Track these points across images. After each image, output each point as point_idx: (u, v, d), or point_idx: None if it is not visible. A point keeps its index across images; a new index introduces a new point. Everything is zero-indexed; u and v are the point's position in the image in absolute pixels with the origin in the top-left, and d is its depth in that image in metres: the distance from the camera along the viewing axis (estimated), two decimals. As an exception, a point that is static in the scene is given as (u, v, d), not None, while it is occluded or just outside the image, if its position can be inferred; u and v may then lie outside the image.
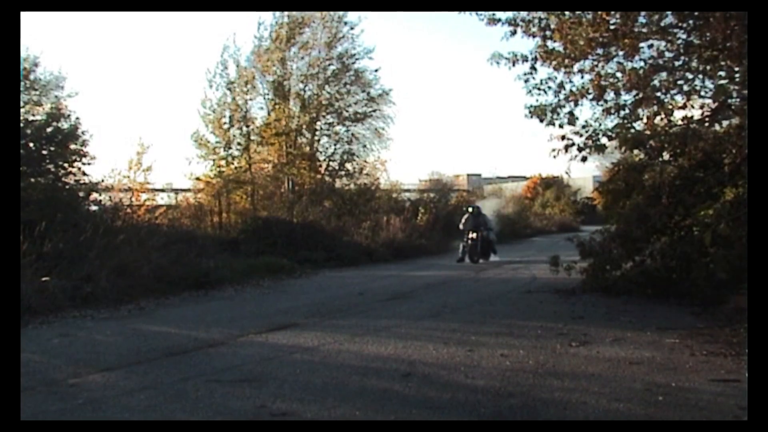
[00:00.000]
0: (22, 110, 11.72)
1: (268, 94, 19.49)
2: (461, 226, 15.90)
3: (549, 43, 8.16)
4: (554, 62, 8.18)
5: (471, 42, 78.11)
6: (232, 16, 55.08)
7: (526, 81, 8.52)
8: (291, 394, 4.32)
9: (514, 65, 8.48)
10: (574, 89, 8.40)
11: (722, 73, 7.96)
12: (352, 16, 19.88)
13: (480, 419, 3.78)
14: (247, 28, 40.12)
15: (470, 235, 15.59)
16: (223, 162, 18.28)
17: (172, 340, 6.35)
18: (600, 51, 7.99)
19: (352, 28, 19.99)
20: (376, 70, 20.68)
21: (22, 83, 11.82)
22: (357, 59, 20.26)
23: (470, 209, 16.37)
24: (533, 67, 8.42)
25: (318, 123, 20.21)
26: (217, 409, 4.02)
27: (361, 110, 20.77)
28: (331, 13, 19.26)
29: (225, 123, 18.40)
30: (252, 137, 18.62)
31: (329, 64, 19.94)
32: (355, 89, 20.58)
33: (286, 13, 19.14)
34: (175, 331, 6.81)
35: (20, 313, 6.34)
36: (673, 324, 6.59)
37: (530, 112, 8.69)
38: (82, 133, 11.99)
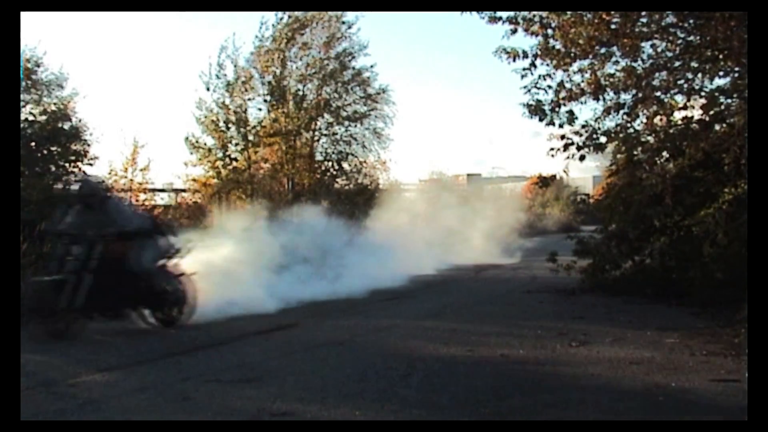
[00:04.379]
0: (23, 110, 11.73)
1: (266, 95, 19.44)
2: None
3: (550, 41, 8.15)
4: (554, 60, 8.18)
5: (471, 42, 78.08)
6: (231, 17, 55.19)
7: (523, 76, 8.51)
8: (291, 394, 4.31)
9: (514, 60, 8.47)
10: (573, 87, 8.40)
11: (722, 73, 7.97)
12: (350, 14, 19.89)
13: (480, 419, 3.78)
14: (245, 29, 40.52)
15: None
16: (220, 163, 18.22)
17: (172, 340, 6.35)
18: (602, 51, 7.99)
19: (349, 27, 19.99)
20: (372, 66, 20.63)
21: (24, 83, 11.82)
22: (354, 57, 20.26)
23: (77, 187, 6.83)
24: (533, 64, 8.41)
25: (317, 123, 20.16)
26: (217, 410, 4.01)
27: (360, 110, 20.73)
28: (330, 12, 19.27)
29: (222, 124, 18.35)
30: (250, 138, 18.57)
31: (327, 64, 19.91)
32: (353, 88, 20.55)
33: (288, 12, 19.15)
34: (175, 331, 6.80)
35: (20, 313, 6.32)
36: (673, 324, 6.59)
37: (529, 110, 8.69)
38: (85, 134, 12.01)
